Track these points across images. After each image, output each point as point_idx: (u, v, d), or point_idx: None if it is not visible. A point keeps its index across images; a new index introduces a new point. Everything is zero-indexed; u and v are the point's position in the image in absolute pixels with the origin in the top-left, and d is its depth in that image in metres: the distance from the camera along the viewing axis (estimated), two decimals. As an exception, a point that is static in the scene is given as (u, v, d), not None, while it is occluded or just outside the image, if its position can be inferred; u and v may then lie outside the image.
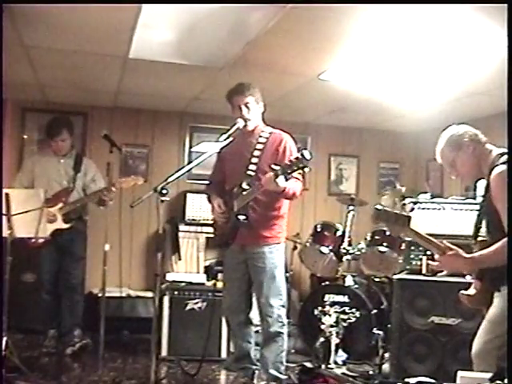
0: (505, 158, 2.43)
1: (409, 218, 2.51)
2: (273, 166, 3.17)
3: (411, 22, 3.11)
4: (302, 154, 3.04)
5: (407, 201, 3.98)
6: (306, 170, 3.07)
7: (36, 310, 4.67)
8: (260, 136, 3.53)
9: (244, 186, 3.41)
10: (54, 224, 4.32)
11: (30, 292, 4.76)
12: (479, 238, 2.57)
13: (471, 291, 2.55)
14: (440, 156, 2.67)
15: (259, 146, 3.50)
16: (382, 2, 2.85)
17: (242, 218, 3.41)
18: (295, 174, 3.34)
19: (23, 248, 4.11)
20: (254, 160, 3.47)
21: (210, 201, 3.69)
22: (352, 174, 6.58)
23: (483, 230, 2.57)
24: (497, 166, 2.42)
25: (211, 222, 3.82)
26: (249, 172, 3.46)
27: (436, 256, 2.51)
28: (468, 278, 2.60)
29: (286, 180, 3.21)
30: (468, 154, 2.55)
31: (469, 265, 2.46)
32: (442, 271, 2.57)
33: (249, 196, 3.39)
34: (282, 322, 3.50)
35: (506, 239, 2.30)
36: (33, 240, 4.08)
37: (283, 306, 3.52)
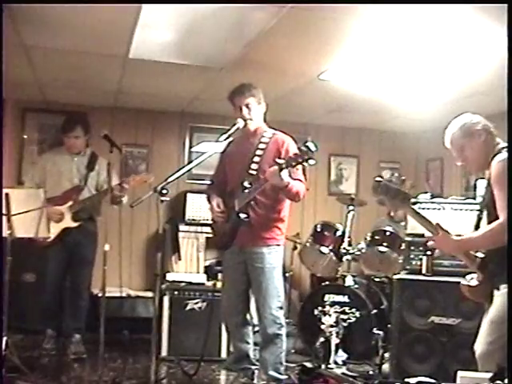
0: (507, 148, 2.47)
1: (409, 194, 2.52)
2: (277, 160, 3.15)
3: (411, 22, 3.11)
4: (306, 146, 3.01)
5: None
6: (311, 162, 3.04)
7: (36, 310, 4.65)
8: (263, 137, 3.53)
9: (245, 184, 3.41)
10: (63, 223, 4.28)
11: (30, 292, 4.75)
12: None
13: (473, 282, 2.55)
14: (450, 140, 2.64)
15: (261, 146, 3.49)
16: (382, 2, 2.85)
17: (243, 216, 3.40)
18: (299, 176, 3.33)
19: (24, 248, 4.09)
20: (256, 159, 3.47)
21: (209, 201, 3.69)
22: (352, 173, 6.58)
23: (484, 222, 2.58)
24: (497, 155, 2.45)
25: (211, 222, 3.82)
26: (250, 171, 3.45)
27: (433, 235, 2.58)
28: (468, 278, 2.59)
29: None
30: (479, 142, 2.55)
31: (456, 247, 2.51)
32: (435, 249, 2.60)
33: (251, 193, 3.38)
34: (280, 323, 3.49)
35: (495, 223, 2.34)
36: (41, 239, 4.03)
37: (281, 308, 3.51)
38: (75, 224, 4.32)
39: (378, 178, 2.55)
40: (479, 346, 2.50)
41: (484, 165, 2.56)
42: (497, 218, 2.36)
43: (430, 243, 2.61)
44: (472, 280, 2.56)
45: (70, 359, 4.30)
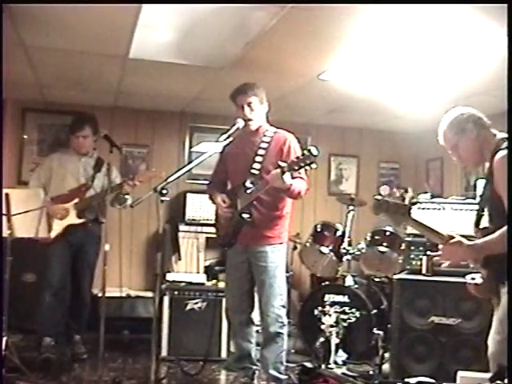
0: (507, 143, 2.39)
1: (409, 207, 2.49)
2: (279, 163, 3.16)
3: (411, 22, 3.11)
4: (309, 151, 3.03)
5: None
6: (313, 166, 3.06)
7: (37, 310, 4.62)
8: (264, 135, 3.53)
9: (247, 184, 3.41)
10: (66, 219, 4.21)
11: (30, 292, 4.74)
12: (481, 226, 2.53)
13: (478, 280, 2.52)
14: (442, 138, 2.61)
15: (263, 145, 3.49)
16: (382, 2, 2.85)
17: (245, 216, 3.40)
18: (301, 174, 3.34)
19: (24, 248, 4.05)
20: (259, 159, 3.47)
21: (212, 200, 3.68)
22: (352, 173, 6.58)
23: (485, 219, 2.53)
24: (500, 149, 2.38)
25: (213, 222, 3.82)
26: (253, 171, 3.45)
27: (439, 246, 2.50)
28: (468, 278, 2.58)
29: (292, 178, 3.21)
30: (471, 138, 2.50)
31: (471, 252, 2.41)
32: (444, 262, 2.54)
33: (253, 194, 3.39)
34: (282, 322, 3.50)
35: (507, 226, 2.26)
36: (43, 238, 3.94)
37: (283, 307, 3.52)
38: (79, 221, 4.24)
39: (378, 197, 2.51)
40: (490, 345, 2.45)
41: (480, 160, 2.52)
42: (499, 214, 2.33)
43: (436, 259, 2.52)
44: (477, 278, 2.53)
45: (70, 359, 4.29)
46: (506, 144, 2.39)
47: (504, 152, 2.35)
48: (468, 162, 2.60)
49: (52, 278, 4.29)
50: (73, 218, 4.24)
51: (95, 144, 4.50)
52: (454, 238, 2.44)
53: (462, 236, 2.51)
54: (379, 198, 2.51)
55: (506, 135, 2.44)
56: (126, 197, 4.24)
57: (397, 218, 2.51)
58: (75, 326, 4.43)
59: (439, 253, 2.48)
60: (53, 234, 4.19)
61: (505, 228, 2.27)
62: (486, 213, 2.51)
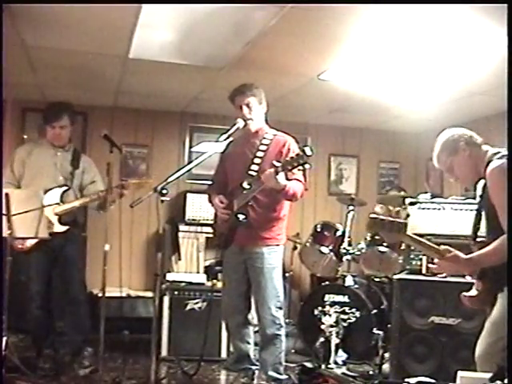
0: (500, 155, 2.42)
1: (404, 224, 2.50)
2: (273, 163, 3.16)
3: (411, 22, 3.11)
4: (302, 151, 3.03)
5: (407, 201, 3.97)
6: (307, 166, 3.07)
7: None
8: (264, 138, 3.52)
9: (245, 185, 3.41)
10: (52, 228, 3.87)
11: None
12: (478, 239, 2.55)
13: (473, 292, 2.53)
14: (437, 161, 2.65)
15: (262, 147, 3.49)
16: (382, 2, 2.85)
17: (241, 217, 3.40)
18: (298, 176, 3.33)
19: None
20: (257, 160, 3.47)
21: (210, 201, 3.68)
22: (352, 173, 6.58)
23: (483, 230, 2.56)
24: (491, 161, 2.41)
25: (211, 222, 3.82)
26: (250, 172, 3.45)
27: (435, 260, 2.51)
28: (468, 278, 2.59)
29: (288, 179, 3.21)
30: (464, 157, 2.54)
31: (468, 266, 2.44)
32: (441, 273, 2.56)
33: (248, 195, 3.39)
34: (279, 324, 3.49)
35: (503, 237, 2.28)
36: (20, 246, 3.78)
37: (280, 308, 3.51)
38: (64, 228, 3.92)
39: (372, 215, 2.53)
40: (479, 347, 2.49)
41: (475, 177, 2.55)
42: (495, 225, 2.34)
43: (433, 269, 2.54)
44: (472, 290, 2.54)
45: (69, 359, 4.24)
46: (497, 157, 2.42)
47: (495, 163, 2.39)
48: (465, 180, 2.64)
49: (33, 290, 3.98)
50: (57, 226, 3.90)
51: (72, 135, 4.22)
52: (450, 251, 2.44)
53: (462, 236, 2.52)
54: (374, 216, 2.52)
55: (497, 150, 2.47)
56: (112, 203, 3.92)
57: (392, 235, 2.53)
58: (80, 337, 4.09)
59: (436, 266, 2.50)
60: (32, 242, 3.82)
61: (500, 240, 2.30)
62: (483, 225, 2.52)
